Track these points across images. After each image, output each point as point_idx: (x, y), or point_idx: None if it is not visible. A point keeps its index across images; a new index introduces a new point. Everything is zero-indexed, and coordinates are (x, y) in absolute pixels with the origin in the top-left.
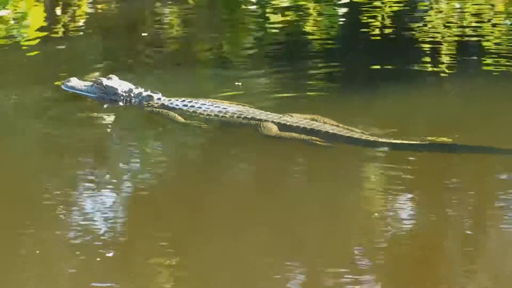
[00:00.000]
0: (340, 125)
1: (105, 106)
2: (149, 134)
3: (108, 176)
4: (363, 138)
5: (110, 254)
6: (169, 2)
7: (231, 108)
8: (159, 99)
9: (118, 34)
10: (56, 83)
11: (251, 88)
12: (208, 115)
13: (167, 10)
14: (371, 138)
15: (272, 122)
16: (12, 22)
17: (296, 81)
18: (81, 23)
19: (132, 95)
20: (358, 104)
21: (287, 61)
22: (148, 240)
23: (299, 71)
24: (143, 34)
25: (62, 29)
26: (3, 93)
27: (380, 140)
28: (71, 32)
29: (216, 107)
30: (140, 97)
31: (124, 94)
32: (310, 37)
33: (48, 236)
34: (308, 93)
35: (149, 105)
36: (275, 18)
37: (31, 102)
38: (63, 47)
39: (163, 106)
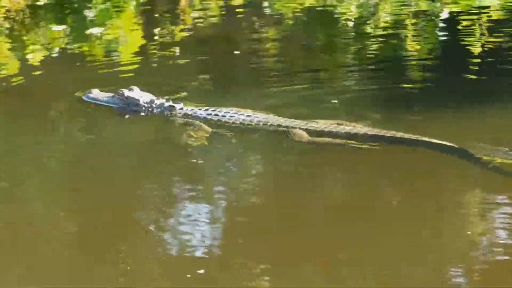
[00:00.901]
0: (369, 127)
1: (126, 116)
2: (230, 149)
3: (207, 191)
4: (406, 137)
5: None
6: (264, 21)
7: (256, 116)
8: (181, 109)
9: (213, 52)
10: (77, 94)
11: (348, 105)
12: (233, 123)
13: (264, 28)
14: (414, 137)
15: (300, 128)
16: (107, 40)
17: (397, 98)
18: (178, 41)
19: (154, 105)
20: (470, 121)
21: (386, 77)
22: (246, 260)
23: (400, 88)
24: (235, 52)
25: (159, 47)
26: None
27: (423, 139)
28: (168, 50)
29: (240, 115)
30: (162, 108)
31: (146, 104)
32: (409, 53)
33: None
34: (410, 111)
35: (172, 115)
36: (373, 33)
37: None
38: (159, 64)
39: (186, 115)
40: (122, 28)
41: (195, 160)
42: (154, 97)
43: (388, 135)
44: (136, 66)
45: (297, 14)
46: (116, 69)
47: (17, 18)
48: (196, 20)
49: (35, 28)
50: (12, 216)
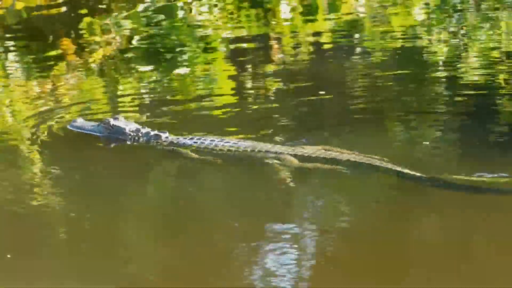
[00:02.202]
0: (356, 152)
1: (112, 145)
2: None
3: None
4: (385, 165)
5: None
6: (354, 58)
7: (243, 143)
8: (167, 137)
9: (302, 92)
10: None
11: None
12: (220, 150)
13: (353, 67)
14: (397, 167)
15: (289, 154)
16: (196, 79)
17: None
18: (270, 82)
19: (140, 134)
20: None
21: (477, 115)
22: None
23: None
24: (320, 92)
25: (251, 89)
26: None
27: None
28: (260, 91)
29: (226, 142)
30: (148, 136)
31: (131, 133)
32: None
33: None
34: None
35: (158, 143)
36: (465, 75)
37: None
38: (249, 104)
39: (172, 144)
40: (212, 68)
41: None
42: (139, 126)
43: (375, 163)
44: (227, 108)
45: (387, 54)
46: (205, 110)
47: (110, 61)
48: (286, 62)
49: (126, 69)
50: None
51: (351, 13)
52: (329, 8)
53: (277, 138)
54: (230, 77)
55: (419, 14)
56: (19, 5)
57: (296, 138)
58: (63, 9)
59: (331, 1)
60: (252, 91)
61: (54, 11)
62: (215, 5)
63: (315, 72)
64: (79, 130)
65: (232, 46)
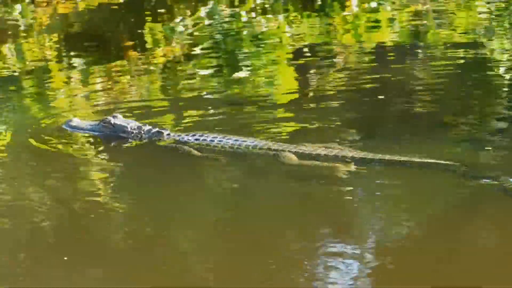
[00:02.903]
0: (354, 149)
1: (112, 143)
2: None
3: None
4: (396, 158)
5: None
6: (416, 63)
7: (244, 140)
8: (168, 134)
9: (362, 96)
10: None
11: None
12: (222, 147)
13: (414, 71)
14: (403, 158)
15: (290, 151)
16: (256, 82)
17: None
18: (331, 85)
19: (142, 131)
20: None
21: None
22: None
23: None
24: (379, 97)
25: (313, 92)
26: None
27: (413, 159)
28: (322, 93)
29: (228, 139)
30: (150, 133)
31: (133, 131)
32: None
33: None
34: None
35: (160, 140)
36: None
37: None
38: (310, 108)
39: (174, 141)
40: (273, 71)
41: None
42: (140, 124)
43: (377, 157)
44: (289, 113)
45: (449, 60)
46: (266, 113)
47: (171, 64)
48: (348, 66)
49: (187, 72)
50: None
51: (414, 19)
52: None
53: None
54: (291, 80)
55: (483, 19)
56: (81, 5)
57: (354, 142)
58: (124, 10)
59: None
60: (313, 95)
61: (115, 12)
62: (279, 10)
63: (376, 76)
64: (75, 130)
65: (294, 50)
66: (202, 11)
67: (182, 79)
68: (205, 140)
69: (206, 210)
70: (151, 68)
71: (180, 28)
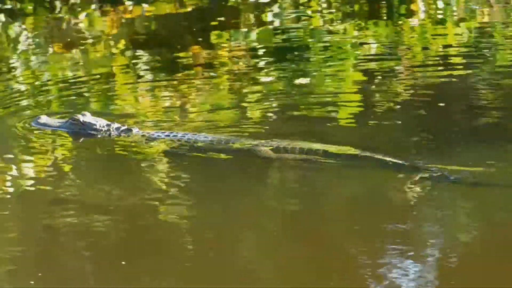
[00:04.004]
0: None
1: (80, 140)
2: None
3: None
4: (363, 154)
5: None
6: (482, 71)
7: (215, 137)
8: (137, 131)
9: (424, 104)
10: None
11: None
12: (194, 143)
13: (479, 79)
14: (368, 154)
15: (264, 146)
16: (319, 89)
17: None
18: (395, 92)
19: (111, 129)
20: None
21: None
22: None
23: None
24: (440, 104)
25: (376, 99)
26: None
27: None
28: (385, 100)
29: (199, 136)
30: (119, 131)
31: (103, 128)
32: None
33: None
34: None
35: (129, 137)
36: None
37: None
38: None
39: (144, 137)
40: (338, 76)
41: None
42: (109, 122)
43: (351, 153)
44: (352, 121)
45: None
46: (328, 120)
47: (238, 70)
48: (413, 72)
49: (251, 78)
50: None
51: (482, 24)
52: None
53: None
54: (355, 87)
55: None
56: (149, 14)
57: (416, 152)
58: (191, 18)
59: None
60: (377, 101)
61: (182, 20)
62: (345, 14)
63: (439, 83)
64: (43, 128)
65: (360, 57)
66: (269, 16)
67: (248, 84)
68: (176, 136)
69: (270, 212)
70: (216, 73)
71: (245, 34)
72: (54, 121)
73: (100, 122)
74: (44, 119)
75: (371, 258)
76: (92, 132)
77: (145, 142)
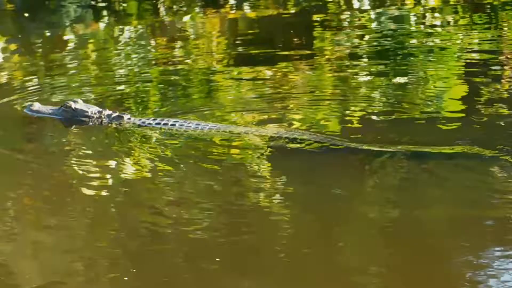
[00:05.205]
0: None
1: (72, 127)
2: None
3: None
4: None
5: None
6: None
7: (206, 124)
8: (129, 118)
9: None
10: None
11: None
12: (185, 131)
13: None
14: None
15: (253, 134)
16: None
17: None
18: (498, 96)
19: (103, 116)
20: None
21: None
22: None
23: None
24: None
25: (479, 104)
26: None
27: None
28: (489, 104)
29: (189, 123)
30: (110, 118)
31: (94, 115)
32: None
33: None
34: None
35: (121, 124)
36: None
37: None
38: (484, 122)
39: (135, 125)
40: (437, 78)
41: None
42: (100, 108)
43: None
44: (457, 123)
45: None
46: (429, 121)
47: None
48: None
49: (350, 77)
50: None
51: None
52: None
53: None
54: (457, 90)
55: None
56: (251, 14)
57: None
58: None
59: None
60: (480, 107)
61: (284, 20)
62: (451, 13)
63: None
64: (37, 115)
65: (463, 57)
66: (371, 15)
67: (348, 82)
68: (166, 124)
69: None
70: (318, 73)
71: (347, 34)
72: (47, 108)
73: (91, 109)
74: (36, 106)
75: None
76: (84, 119)
77: (135, 130)
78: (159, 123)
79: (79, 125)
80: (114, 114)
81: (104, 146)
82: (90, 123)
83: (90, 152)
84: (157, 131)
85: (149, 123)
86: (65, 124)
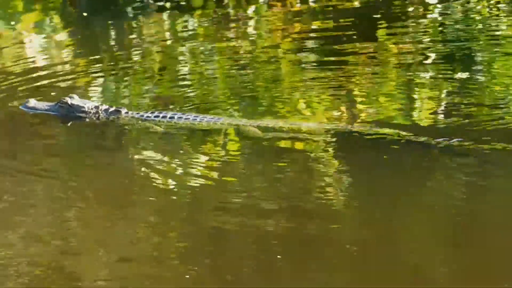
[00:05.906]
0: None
1: (69, 123)
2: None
3: None
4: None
5: None
6: None
7: (204, 116)
8: (126, 113)
9: None
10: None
11: None
12: (184, 123)
13: None
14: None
15: (251, 126)
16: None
17: None
18: None
19: (100, 111)
20: None
21: None
22: None
23: None
24: None
25: None
26: None
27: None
28: None
29: (188, 116)
30: (107, 113)
31: (91, 111)
32: None
33: None
34: None
35: (118, 118)
36: None
37: None
38: None
39: (133, 119)
40: (503, 73)
41: None
42: (97, 104)
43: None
44: None
45: None
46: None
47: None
48: None
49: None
50: None
51: None
52: None
53: None
54: None
55: None
56: (316, 7)
57: None
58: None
59: None
60: None
61: (349, 13)
62: None
63: None
64: (32, 111)
65: None
66: (435, 11)
67: (413, 78)
68: (165, 117)
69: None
70: (382, 69)
71: (412, 29)
72: (43, 104)
73: (88, 105)
74: (32, 102)
75: None
76: (81, 114)
77: (135, 124)
78: (157, 116)
79: (76, 121)
80: (111, 109)
81: (168, 143)
82: (87, 119)
83: (153, 150)
84: (158, 123)
85: (148, 116)
86: (62, 120)
